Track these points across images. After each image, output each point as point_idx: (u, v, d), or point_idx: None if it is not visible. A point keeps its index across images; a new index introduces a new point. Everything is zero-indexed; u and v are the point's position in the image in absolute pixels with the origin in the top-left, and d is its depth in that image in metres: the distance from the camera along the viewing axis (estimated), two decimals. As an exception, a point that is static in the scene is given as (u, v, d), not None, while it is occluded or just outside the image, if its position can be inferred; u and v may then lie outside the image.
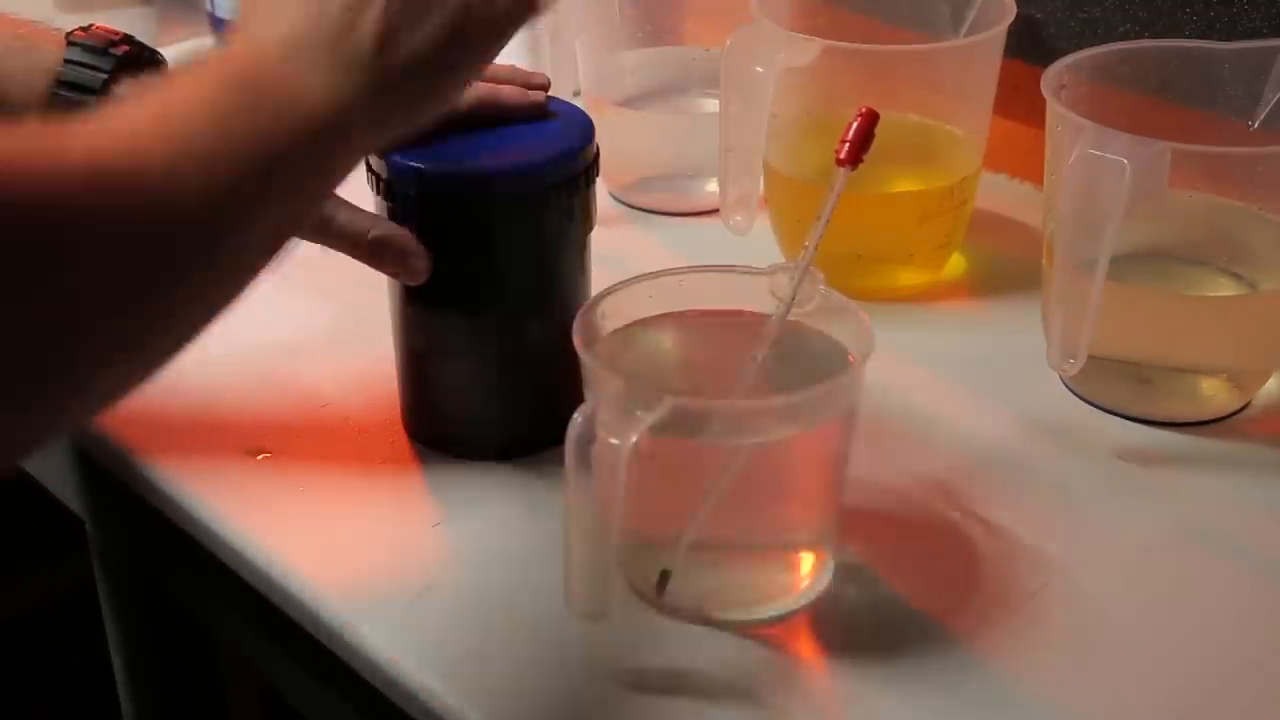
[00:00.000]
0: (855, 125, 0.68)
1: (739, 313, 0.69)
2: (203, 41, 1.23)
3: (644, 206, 1.02)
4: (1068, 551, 0.70)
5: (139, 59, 0.72)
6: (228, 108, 0.54)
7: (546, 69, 1.03)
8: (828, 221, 0.68)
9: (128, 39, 0.72)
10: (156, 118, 0.52)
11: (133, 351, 0.51)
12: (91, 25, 0.72)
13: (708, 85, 1.02)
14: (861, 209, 0.86)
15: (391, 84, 0.59)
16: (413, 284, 0.72)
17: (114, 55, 0.71)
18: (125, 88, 0.70)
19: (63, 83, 0.70)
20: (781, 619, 0.67)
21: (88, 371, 0.48)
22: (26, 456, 0.51)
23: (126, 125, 0.51)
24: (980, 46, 0.87)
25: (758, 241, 0.89)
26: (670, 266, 0.70)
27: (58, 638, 1.59)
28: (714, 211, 0.90)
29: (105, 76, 0.70)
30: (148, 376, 0.52)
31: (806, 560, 0.68)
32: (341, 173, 0.59)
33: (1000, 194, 1.00)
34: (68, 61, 0.70)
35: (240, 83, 0.55)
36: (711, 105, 0.99)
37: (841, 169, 0.68)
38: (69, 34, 0.71)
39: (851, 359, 0.66)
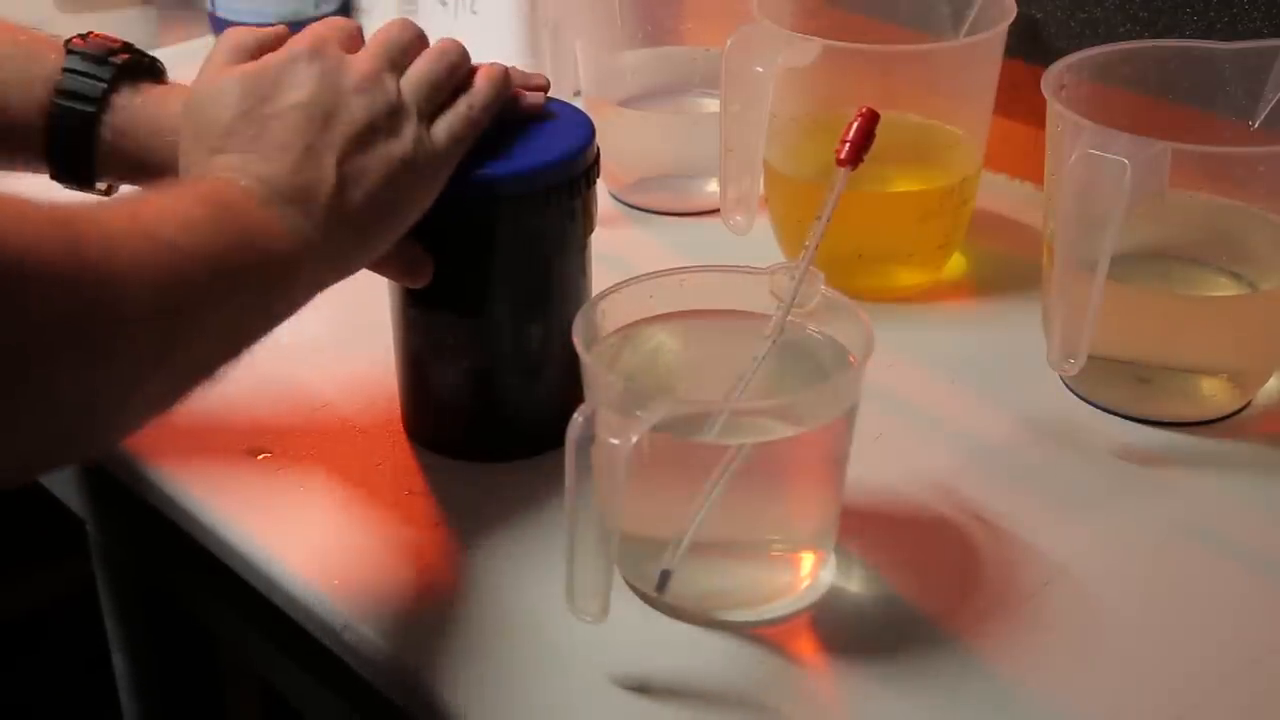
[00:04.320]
0: (855, 125, 0.68)
1: (739, 313, 0.69)
2: (203, 42, 1.23)
3: (644, 206, 1.02)
4: (1068, 551, 0.70)
5: (138, 67, 0.71)
6: (199, 223, 0.58)
7: (546, 69, 1.04)
8: (828, 221, 0.68)
9: (127, 47, 0.72)
10: (132, 215, 0.56)
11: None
12: (90, 33, 0.72)
13: (708, 85, 1.02)
14: (861, 209, 0.86)
15: (346, 224, 0.64)
16: (414, 286, 0.72)
17: (113, 64, 0.70)
18: (124, 96, 0.70)
19: (62, 91, 0.69)
20: (782, 619, 0.67)
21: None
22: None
23: (106, 215, 0.55)
24: (980, 46, 0.87)
25: (758, 241, 0.89)
26: (670, 266, 0.70)
27: (58, 638, 1.59)
28: (714, 211, 0.90)
29: (105, 85, 0.70)
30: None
31: (807, 560, 0.68)
32: (295, 299, 0.64)
33: (1000, 194, 1.00)
34: (67, 70, 0.70)
35: (213, 206, 0.60)
36: (711, 105, 0.99)
37: (841, 169, 0.68)
38: (68, 42, 0.71)
39: (851, 359, 0.66)
